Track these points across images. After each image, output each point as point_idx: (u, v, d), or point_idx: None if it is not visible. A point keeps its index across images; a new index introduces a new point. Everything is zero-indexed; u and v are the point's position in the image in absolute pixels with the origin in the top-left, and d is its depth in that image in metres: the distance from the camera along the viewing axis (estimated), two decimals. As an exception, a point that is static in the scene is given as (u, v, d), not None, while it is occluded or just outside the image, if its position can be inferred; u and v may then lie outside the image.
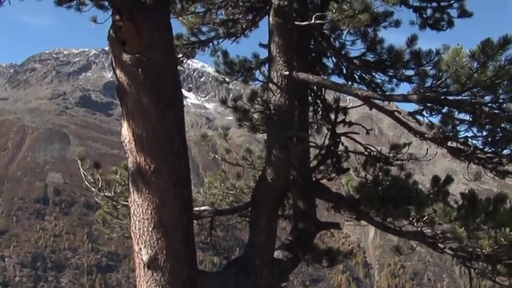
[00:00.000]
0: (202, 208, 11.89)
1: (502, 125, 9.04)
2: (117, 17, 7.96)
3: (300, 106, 11.64)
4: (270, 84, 9.68)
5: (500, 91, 8.40)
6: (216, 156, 14.96)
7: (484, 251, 9.10)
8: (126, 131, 8.34)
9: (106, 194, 13.26)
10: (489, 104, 8.74)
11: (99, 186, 13.13)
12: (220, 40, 13.85)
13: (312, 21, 9.47)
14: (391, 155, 12.95)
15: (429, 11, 12.44)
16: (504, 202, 9.70)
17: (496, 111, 8.73)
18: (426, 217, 10.22)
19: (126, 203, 12.23)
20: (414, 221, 10.42)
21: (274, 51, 9.60)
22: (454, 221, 9.64)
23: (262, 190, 10.21)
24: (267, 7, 10.55)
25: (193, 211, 9.81)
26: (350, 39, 12.33)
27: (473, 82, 8.18)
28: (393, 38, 11.34)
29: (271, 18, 9.70)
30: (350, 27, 9.45)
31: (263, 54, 12.94)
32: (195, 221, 10.71)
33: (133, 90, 8.06)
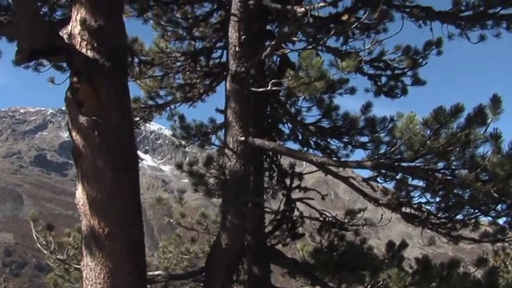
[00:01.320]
0: (156, 273, 11.71)
1: (455, 191, 9.12)
2: (75, 79, 7.92)
3: (256, 171, 11.69)
4: (226, 150, 9.71)
5: (453, 158, 8.52)
6: (171, 220, 14.84)
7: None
8: (80, 194, 8.23)
9: (58, 256, 13.01)
10: (442, 171, 8.84)
11: (52, 249, 12.88)
12: (178, 104, 13.89)
13: (269, 88, 9.55)
14: (346, 220, 12.99)
15: (384, 79, 12.72)
16: (458, 267, 9.79)
17: (449, 177, 8.83)
18: (381, 283, 10.23)
19: (78, 266, 11.98)
20: (369, 286, 10.41)
21: (230, 117, 9.66)
22: (408, 286, 9.68)
23: (216, 255, 10.12)
24: (224, 73, 10.67)
25: (147, 276, 9.66)
26: (306, 106, 12.51)
27: (426, 149, 8.31)
28: (349, 104, 11.53)
29: (228, 84, 9.79)
30: (306, 94, 9.53)
31: (220, 119, 13.03)
32: (148, 286, 10.54)
33: (89, 152, 7.99)
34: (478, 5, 10.38)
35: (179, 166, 12.59)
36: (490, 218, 9.73)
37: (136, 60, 12.54)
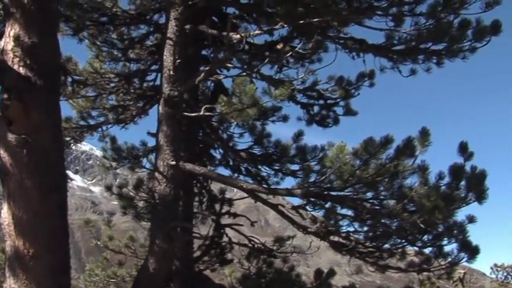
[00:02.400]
0: (82, 296, 11.48)
1: (383, 221, 9.24)
2: (5, 96, 7.76)
3: (186, 196, 11.59)
4: (156, 173, 9.63)
5: (381, 188, 8.67)
6: (99, 243, 14.58)
7: None
8: (5, 213, 8.01)
9: (-20, 278, 12.61)
10: (370, 201, 8.97)
11: (-27, 270, 12.49)
12: (110, 125, 13.71)
13: (201, 113, 9.54)
14: (275, 247, 13.00)
15: (316, 108, 12.84)
16: (385, 295, 9.89)
17: (377, 207, 8.96)
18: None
19: (0, 288, 11.67)
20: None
21: (162, 141, 9.61)
22: (335, 313, 9.71)
23: (143, 280, 9.99)
24: (158, 96, 10.60)
25: (72, 300, 9.44)
26: (238, 132, 12.53)
27: (355, 179, 8.43)
28: (281, 132, 11.59)
29: (160, 107, 9.75)
30: (238, 120, 9.55)
31: (151, 142, 12.91)
32: (73, 310, 10.30)
33: (17, 171, 7.80)
34: (410, 40, 10.58)
35: (109, 188, 12.40)
36: (417, 248, 9.86)
37: (69, 79, 12.32)
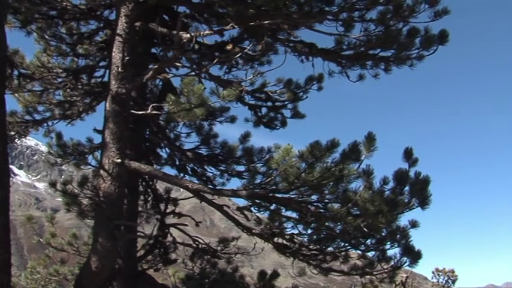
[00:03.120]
0: (23, 294, 11.29)
1: (327, 224, 9.28)
2: None
3: (130, 195, 11.51)
4: (101, 171, 9.50)
5: (326, 191, 8.70)
6: (41, 240, 14.35)
7: None
8: None
9: None
10: (315, 203, 8.99)
11: None
12: (56, 121, 13.49)
13: (149, 111, 9.46)
14: (219, 248, 12.99)
15: (264, 110, 12.86)
16: (327, 298, 9.94)
17: (322, 210, 8.98)
18: (249, 312, 10.24)
19: None
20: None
21: (108, 138, 9.48)
22: (278, 315, 9.72)
23: (86, 278, 9.85)
24: (105, 93, 10.47)
25: (12, 297, 9.28)
26: (185, 132, 12.50)
27: (301, 181, 8.44)
28: (229, 133, 11.59)
29: (108, 104, 9.62)
30: (186, 120, 9.49)
31: (97, 139, 12.76)
32: (13, 309, 10.13)
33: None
34: (359, 45, 10.69)
35: (53, 184, 12.19)
36: (360, 252, 9.94)
37: (15, 72, 12.12)
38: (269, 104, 12.77)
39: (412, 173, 8.63)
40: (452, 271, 32.16)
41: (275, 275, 11.93)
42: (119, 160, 9.34)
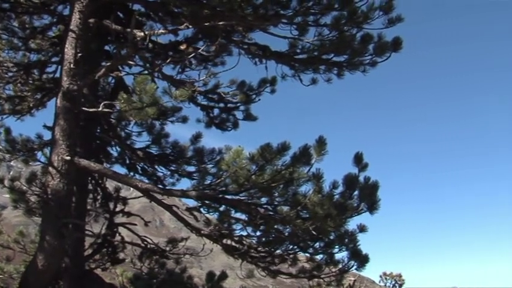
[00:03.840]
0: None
1: (276, 227, 9.30)
2: None
3: (79, 193, 11.36)
4: (50, 168, 9.37)
5: (276, 194, 8.71)
6: (-13, 237, 14.10)
7: None
8: None
9: None
10: (264, 206, 9.00)
11: None
12: (5, 116, 13.24)
13: (100, 109, 9.36)
14: (168, 248, 12.93)
15: (216, 111, 12.85)
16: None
17: (271, 213, 8.99)
18: (198, 312, 10.22)
19: None
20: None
21: (58, 135, 9.35)
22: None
23: (31, 276, 9.70)
24: (57, 89, 10.33)
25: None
26: (136, 131, 12.41)
27: (250, 183, 8.43)
28: (180, 133, 11.54)
29: (58, 101, 9.50)
30: (137, 118, 9.39)
31: (47, 135, 12.58)
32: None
33: None
34: (312, 50, 10.74)
35: (1, 180, 11.99)
36: (308, 255, 9.99)
37: (-36, 65, 11.91)
38: (221, 105, 12.77)
39: (361, 178, 8.70)
40: (400, 275, 32.59)
41: (223, 276, 11.93)
42: (69, 157, 9.23)
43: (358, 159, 8.66)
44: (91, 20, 10.01)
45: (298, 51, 10.92)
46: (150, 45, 11.43)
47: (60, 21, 12.45)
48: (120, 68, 11.55)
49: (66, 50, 9.65)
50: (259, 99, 12.62)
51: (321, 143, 8.24)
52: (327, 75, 11.18)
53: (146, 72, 10.39)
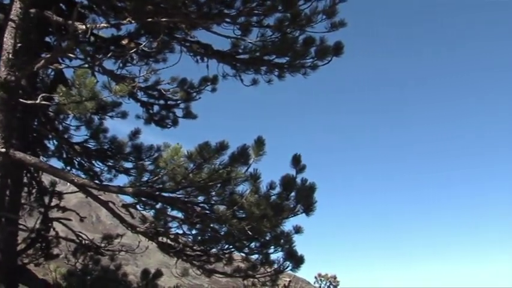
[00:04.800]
0: None
1: (212, 226, 9.30)
2: None
3: (14, 186, 11.14)
4: (-17, 160, 9.18)
5: (213, 193, 8.72)
6: None
7: None
8: None
9: None
10: (201, 204, 9.00)
11: None
12: None
13: (38, 101, 9.20)
14: (103, 244, 12.79)
15: (156, 108, 12.77)
16: (207, 300, 9.94)
17: (207, 211, 9.00)
18: (130, 311, 10.14)
19: None
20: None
21: (-7, 126, 9.17)
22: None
23: (-40, 271, 9.50)
24: (-5, 80, 10.12)
25: None
26: (74, 125, 12.23)
27: (188, 182, 8.42)
28: (119, 128, 11.42)
29: (-5, 92, 9.31)
30: (75, 112, 9.25)
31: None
32: None
33: None
34: (254, 50, 10.77)
35: None
36: (244, 254, 10.00)
37: None
38: (162, 102, 12.70)
39: (299, 180, 8.76)
40: (335, 276, 33.04)
41: (158, 274, 11.86)
42: (4, 149, 9.06)
43: (296, 161, 8.72)
44: (32, 10, 9.85)
45: (240, 51, 10.95)
46: (92, 38, 11.30)
47: (0, 10, 12.20)
48: (60, 61, 11.37)
49: (5, 39, 9.48)
50: (199, 98, 12.61)
51: (259, 143, 8.28)
52: (268, 76, 11.23)
53: (86, 65, 10.23)
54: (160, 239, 9.84)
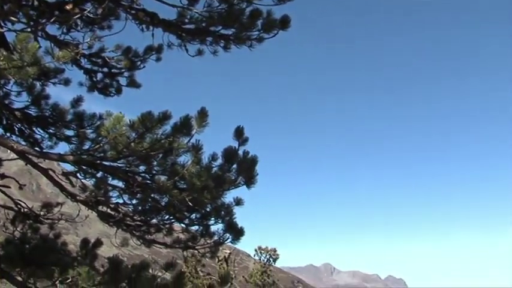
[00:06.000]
0: None
1: (152, 196, 9.29)
2: None
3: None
4: None
5: (154, 163, 8.70)
6: None
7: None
8: None
9: None
10: (142, 174, 8.97)
11: None
12: None
13: (-26, 64, 9.00)
14: (42, 212, 12.66)
15: (100, 75, 12.59)
16: (147, 270, 9.93)
17: (148, 181, 8.98)
18: (70, 279, 10.09)
19: None
20: (58, 283, 10.23)
21: None
22: (97, 285, 9.62)
23: None
24: None
25: None
26: (15, 90, 11.99)
27: (129, 151, 8.36)
28: (62, 95, 11.25)
29: None
30: (17, 78, 9.07)
31: None
32: None
33: None
34: (200, 21, 10.69)
35: None
36: (184, 225, 10.02)
37: None
38: (105, 70, 12.49)
39: (241, 152, 8.78)
40: (274, 250, 33.64)
41: (98, 243, 11.77)
42: None
43: (239, 133, 8.72)
44: (-28, -29, 9.60)
45: (186, 21, 10.84)
46: (36, 2, 11.06)
47: None
48: (2, 24, 11.10)
49: None
50: (144, 67, 12.46)
51: (202, 114, 8.26)
52: (214, 47, 11.15)
53: (29, 30, 10.03)
54: (100, 208, 9.79)
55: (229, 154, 8.70)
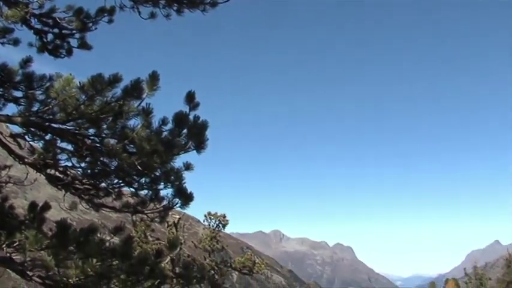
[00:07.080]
0: None
1: (102, 159, 9.23)
2: None
3: None
4: None
5: (104, 126, 8.63)
6: None
7: (71, 280, 9.15)
8: None
9: None
10: (92, 137, 8.90)
11: None
12: None
13: None
14: (-13, 175, 12.50)
15: (50, 36, 12.36)
16: (95, 234, 9.89)
17: (98, 145, 8.92)
18: (17, 243, 9.99)
19: None
20: (4, 246, 10.12)
21: None
22: (45, 249, 9.55)
23: None
24: None
25: None
26: (-39, 49, 11.74)
27: (79, 114, 8.29)
28: (10, 56, 11.05)
29: None
30: (-37, 36, 8.91)
31: None
32: None
33: None
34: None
35: None
36: (133, 189, 9.99)
37: None
38: (56, 30, 12.27)
39: (191, 117, 8.77)
40: (224, 216, 33.88)
41: (46, 207, 11.66)
42: None
43: (190, 98, 8.71)
44: None
45: (139, -18, 10.75)
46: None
47: None
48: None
49: None
50: (95, 28, 12.26)
51: (153, 78, 8.23)
52: (167, 10, 11.06)
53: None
54: (48, 171, 9.69)
55: (180, 118, 8.68)
